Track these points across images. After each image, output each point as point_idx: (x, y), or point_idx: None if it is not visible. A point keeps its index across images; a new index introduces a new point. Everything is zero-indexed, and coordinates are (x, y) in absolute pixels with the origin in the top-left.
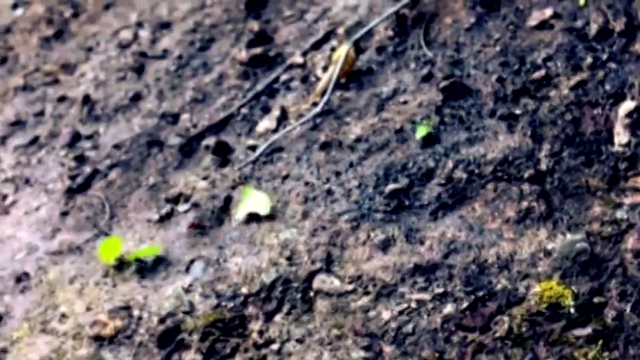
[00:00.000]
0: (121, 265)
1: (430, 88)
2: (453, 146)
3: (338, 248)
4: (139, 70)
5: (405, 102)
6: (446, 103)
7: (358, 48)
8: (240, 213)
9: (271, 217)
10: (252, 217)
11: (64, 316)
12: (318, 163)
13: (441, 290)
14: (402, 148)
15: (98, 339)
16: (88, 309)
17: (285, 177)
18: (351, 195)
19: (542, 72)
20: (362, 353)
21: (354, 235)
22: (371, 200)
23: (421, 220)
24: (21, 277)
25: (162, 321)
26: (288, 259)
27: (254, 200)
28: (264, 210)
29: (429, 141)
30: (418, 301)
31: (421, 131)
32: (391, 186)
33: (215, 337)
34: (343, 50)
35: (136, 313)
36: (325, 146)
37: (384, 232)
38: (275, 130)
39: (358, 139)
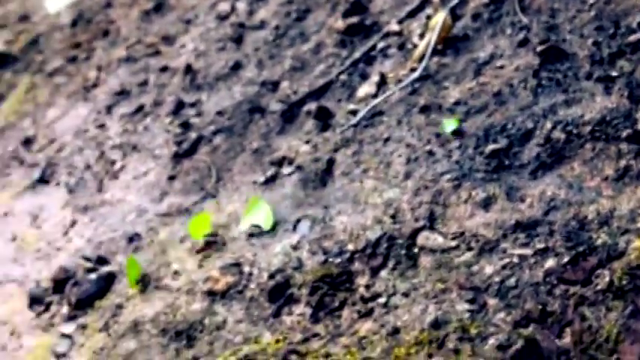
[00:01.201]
0: (229, 224)
1: (527, 52)
2: (550, 108)
3: (440, 206)
4: (238, 40)
5: (502, 66)
6: (543, 66)
7: (454, 15)
8: (243, 225)
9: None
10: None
11: (176, 273)
12: (418, 125)
13: (542, 245)
14: (500, 111)
15: (211, 294)
16: (200, 266)
17: (387, 139)
18: (452, 155)
19: (638, 35)
20: (466, 306)
21: (455, 193)
22: (471, 160)
23: (521, 178)
24: (133, 238)
25: (271, 276)
26: (392, 217)
27: (258, 212)
28: (266, 224)
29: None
30: (520, 256)
31: None
32: (491, 146)
33: (323, 291)
34: (440, 17)
35: (246, 269)
36: (425, 109)
37: (485, 191)
38: (375, 95)
39: (457, 102)
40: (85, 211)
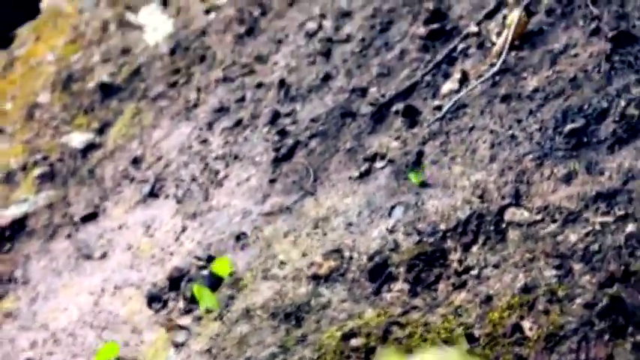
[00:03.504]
0: (328, 217)
1: (599, 40)
2: (624, 88)
3: (525, 184)
4: (327, 54)
5: (576, 55)
6: (614, 51)
7: (529, 12)
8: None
9: None
10: None
11: (282, 263)
12: (500, 113)
13: (622, 213)
14: (576, 94)
15: (315, 278)
16: (304, 255)
17: (471, 129)
18: (533, 137)
19: None
20: (553, 271)
21: (538, 171)
22: (552, 141)
23: (599, 153)
24: (239, 237)
25: (370, 258)
26: (480, 197)
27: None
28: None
29: None
30: (602, 224)
31: None
32: (569, 126)
33: (419, 268)
34: (515, 15)
35: (346, 254)
36: (505, 99)
37: (565, 167)
38: (457, 91)
39: (535, 90)
40: (193, 217)
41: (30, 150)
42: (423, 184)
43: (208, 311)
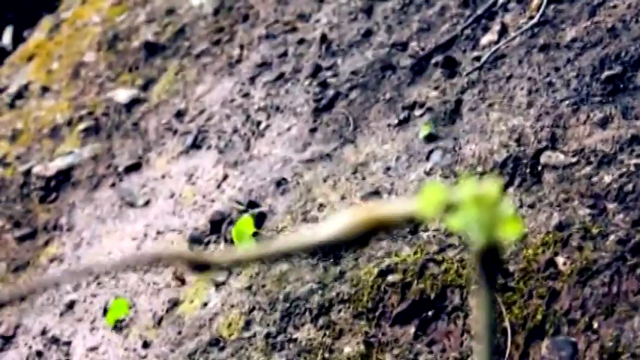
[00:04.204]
0: (367, 162)
1: None
2: None
3: (561, 129)
4: (368, 11)
5: (615, 6)
6: None
7: None
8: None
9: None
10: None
11: (321, 205)
12: (538, 62)
13: None
14: (614, 43)
15: None
16: (342, 198)
17: (509, 77)
18: (570, 84)
19: None
20: (587, 210)
21: (574, 116)
22: (588, 87)
23: (635, 99)
24: (280, 182)
25: None
26: (517, 141)
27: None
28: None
29: None
30: (636, 165)
31: None
32: (606, 73)
33: None
34: None
35: (385, 196)
36: (544, 48)
37: (601, 112)
38: (496, 42)
39: (573, 40)
40: (235, 166)
41: (75, 106)
42: (462, 130)
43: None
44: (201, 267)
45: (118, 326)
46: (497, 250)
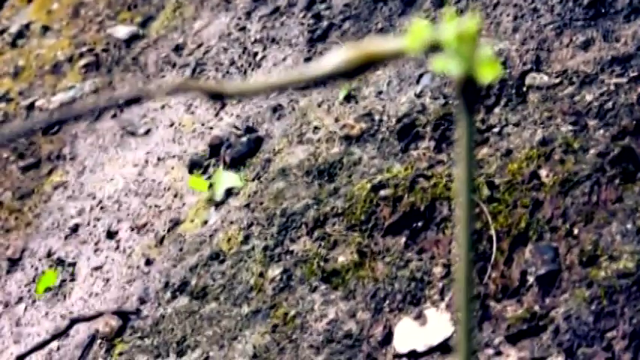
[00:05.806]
0: (360, 87)
1: None
2: None
3: (545, 52)
4: None
5: None
6: None
7: None
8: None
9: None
10: None
11: (316, 128)
12: None
13: (635, 74)
14: None
15: (347, 138)
16: (336, 120)
17: (496, 4)
18: (554, 9)
19: None
20: (570, 127)
21: (558, 40)
22: (571, 12)
23: (616, 23)
24: (276, 108)
25: (399, 120)
26: (503, 63)
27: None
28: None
29: None
30: (616, 84)
31: None
32: None
33: (445, 127)
34: None
35: (377, 117)
36: None
37: (584, 35)
38: None
39: None
40: None
41: (76, 44)
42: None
43: (247, 173)
44: (216, 95)
45: (120, 247)
46: (475, 80)
